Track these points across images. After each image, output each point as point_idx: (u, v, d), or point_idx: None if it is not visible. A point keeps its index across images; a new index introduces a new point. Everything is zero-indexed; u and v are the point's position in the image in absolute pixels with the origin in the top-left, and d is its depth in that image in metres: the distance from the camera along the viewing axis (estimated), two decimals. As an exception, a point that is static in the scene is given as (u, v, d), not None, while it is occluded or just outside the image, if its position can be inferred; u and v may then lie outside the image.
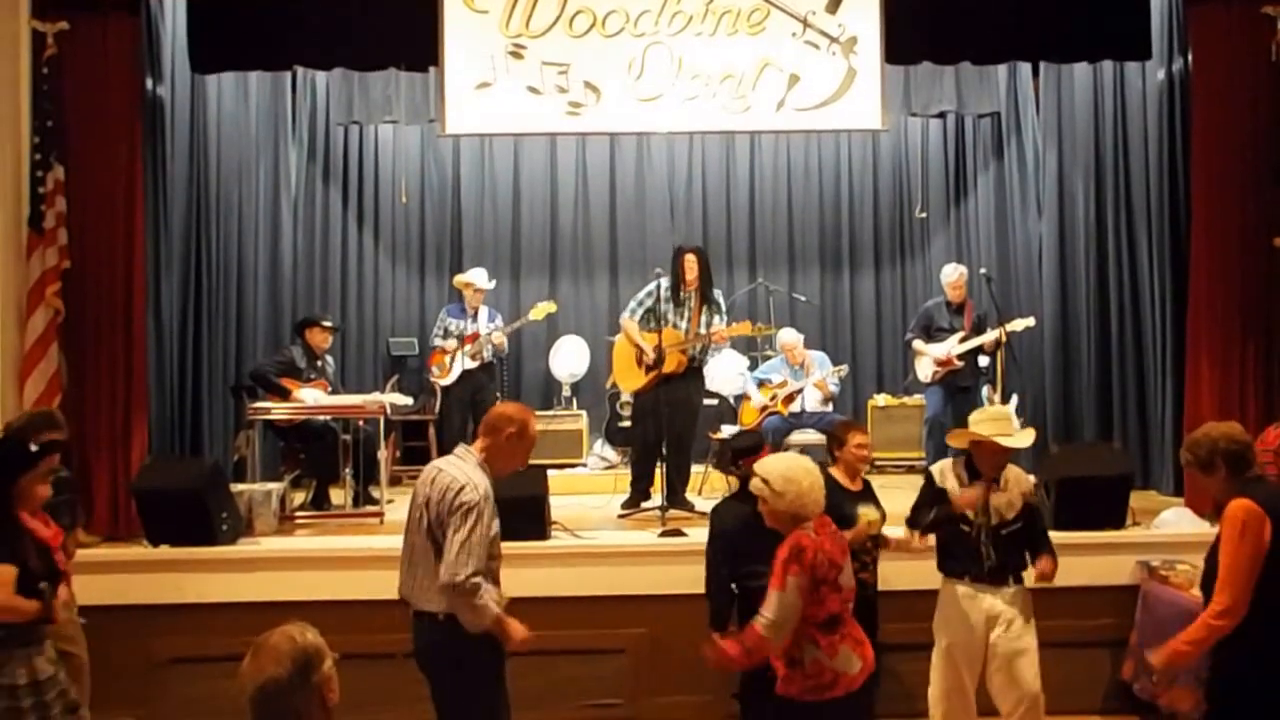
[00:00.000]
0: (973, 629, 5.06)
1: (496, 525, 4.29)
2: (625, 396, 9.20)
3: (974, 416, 5.26)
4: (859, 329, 10.93)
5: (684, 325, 7.71)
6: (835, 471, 5.82)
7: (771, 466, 4.21)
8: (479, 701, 4.27)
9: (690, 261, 7.74)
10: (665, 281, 7.81)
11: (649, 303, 7.79)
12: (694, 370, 7.81)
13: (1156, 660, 4.25)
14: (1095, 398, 8.81)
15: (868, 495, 5.84)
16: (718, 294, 7.95)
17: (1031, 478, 5.20)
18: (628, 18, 7.91)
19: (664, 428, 7.51)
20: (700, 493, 8.34)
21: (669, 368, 7.55)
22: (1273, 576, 3.94)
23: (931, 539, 5.32)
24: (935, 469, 5.32)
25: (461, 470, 4.27)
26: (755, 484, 4.19)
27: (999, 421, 5.16)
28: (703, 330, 7.69)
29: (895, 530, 5.82)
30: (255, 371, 8.11)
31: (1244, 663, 4.01)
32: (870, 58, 8.00)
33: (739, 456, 5.42)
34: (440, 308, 9.83)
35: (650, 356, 7.61)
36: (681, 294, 7.74)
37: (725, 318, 7.90)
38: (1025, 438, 5.24)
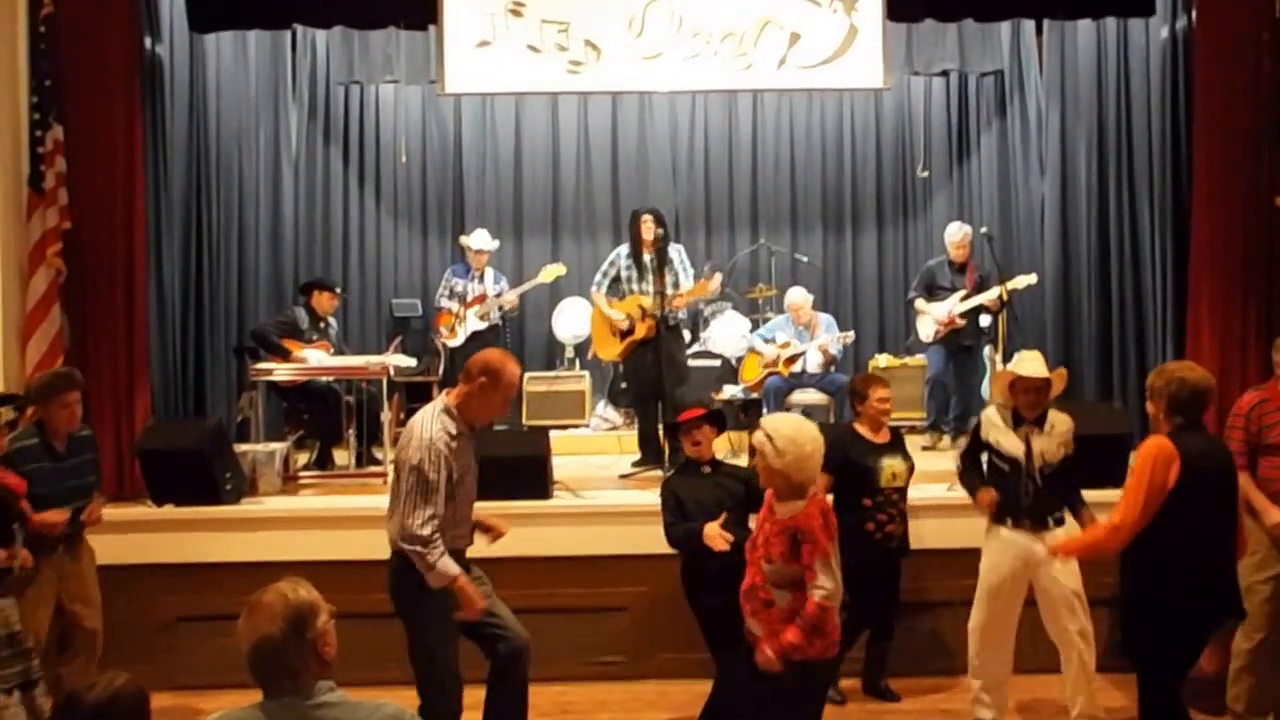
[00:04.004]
0: (1013, 572, 5.24)
1: (453, 470, 4.40)
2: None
3: (1011, 363, 5.45)
4: (860, 289, 10.91)
5: (649, 289, 7.71)
6: (859, 426, 5.91)
7: (779, 425, 4.22)
8: (422, 631, 4.50)
9: (647, 222, 7.74)
10: (624, 249, 7.85)
11: (612, 272, 7.89)
12: (670, 329, 7.76)
13: (1058, 548, 4.87)
14: (1096, 357, 8.81)
15: (895, 447, 5.92)
16: (679, 251, 7.91)
17: (1070, 421, 5.32)
18: (628, -26, 7.86)
19: (658, 389, 7.55)
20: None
21: (640, 334, 7.61)
22: (1171, 515, 4.27)
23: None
24: (983, 416, 5.48)
25: (419, 420, 4.46)
26: (758, 437, 4.20)
27: (1032, 361, 5.31)
28: (668, 291, 7.66)
29: (914, 490, 5.90)
30: (256, 331, 8.11)
31: (1151, 588, 4.40)
32: (872, 15, 7.94)
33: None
34: (443, 268, 9.85)
35: (623, 325, 7.69)
36: (643, 258, 7.73)
37: (690, 275, 7.87)
38: (1058, 376, 5.34)
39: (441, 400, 4.57)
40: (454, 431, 4.45)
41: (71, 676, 5.18)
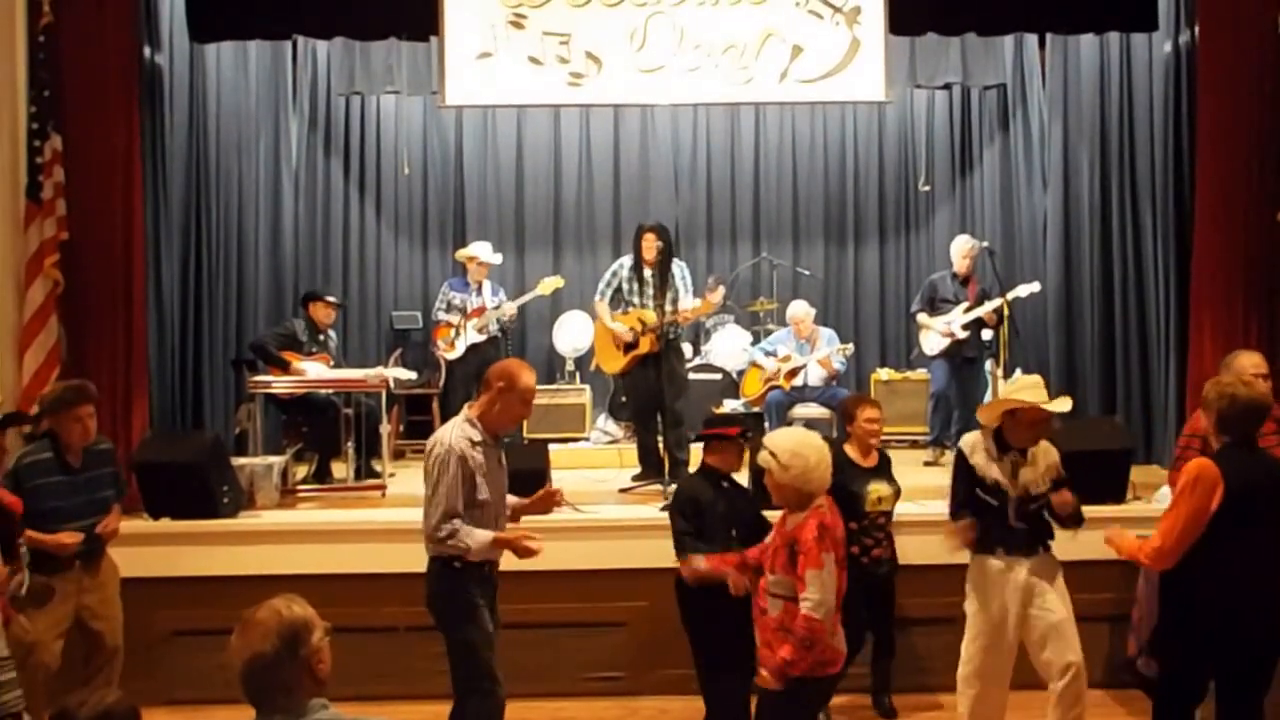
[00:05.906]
0: (1007, 603, 4.91)
1: (472, 473, 4.55)
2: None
3: (1007, 387, 5.15)
4: (863, 303, 10.88)
5: (649, 304, 7.67)
6: (848, 447, 5.82)
7: (781, 440, 4.24)
8: (463, 634, 4.62)
9: (650, 240, 7.67)
10: (627, 260, 7.81)
11: (615, 283, 7.84)
12: (670, 344, 7.70)
13: (1109, 534, 4.56)
14: (1098, 372, 8.78)
15: (882, 471, 5.84)
16: (681, 268, 7.88)
17: (1056, 451, 5.02)
18: (630, -12, 7.85)
19: (658, 403, 7.51)
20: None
21: (644, 349, 7.57)
22: (1212, 539, 4.14)
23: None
24: (965, 443, 5.06)
25: (445, 429, 4.70)
26: (763, 456, 4.21)
27: (1037, 389, 4.97)
28: (669, 308, 7.61)
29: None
30: (255, 343, 8.07)
31: (1186, 615, 4.25)
32: (874, 28, 7.94)
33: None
34: (443, 281, 9.80)
35: (627, 337, 7.65)
36: (645, 273, 7.71)
37: (690, 293, 7.82)
38: (1063, 403, 5.10)
39: (465, 412, 4.76)
40: (475, 439, 4.62)
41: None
